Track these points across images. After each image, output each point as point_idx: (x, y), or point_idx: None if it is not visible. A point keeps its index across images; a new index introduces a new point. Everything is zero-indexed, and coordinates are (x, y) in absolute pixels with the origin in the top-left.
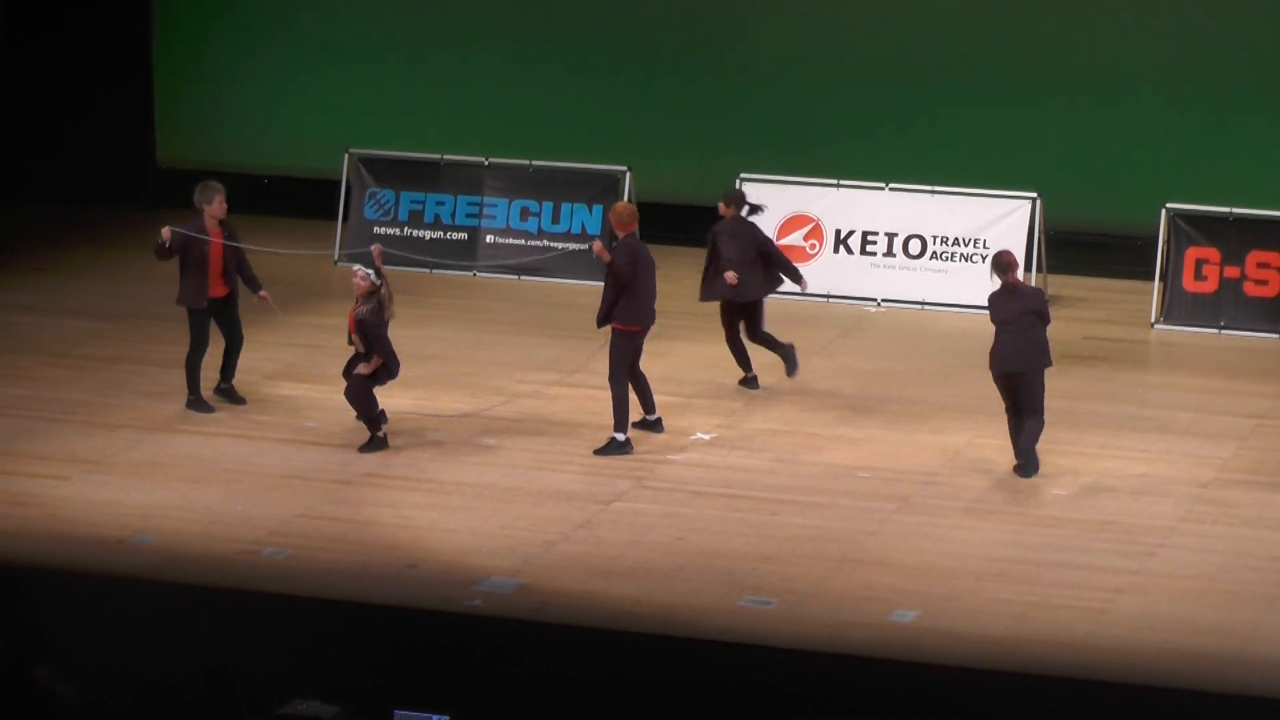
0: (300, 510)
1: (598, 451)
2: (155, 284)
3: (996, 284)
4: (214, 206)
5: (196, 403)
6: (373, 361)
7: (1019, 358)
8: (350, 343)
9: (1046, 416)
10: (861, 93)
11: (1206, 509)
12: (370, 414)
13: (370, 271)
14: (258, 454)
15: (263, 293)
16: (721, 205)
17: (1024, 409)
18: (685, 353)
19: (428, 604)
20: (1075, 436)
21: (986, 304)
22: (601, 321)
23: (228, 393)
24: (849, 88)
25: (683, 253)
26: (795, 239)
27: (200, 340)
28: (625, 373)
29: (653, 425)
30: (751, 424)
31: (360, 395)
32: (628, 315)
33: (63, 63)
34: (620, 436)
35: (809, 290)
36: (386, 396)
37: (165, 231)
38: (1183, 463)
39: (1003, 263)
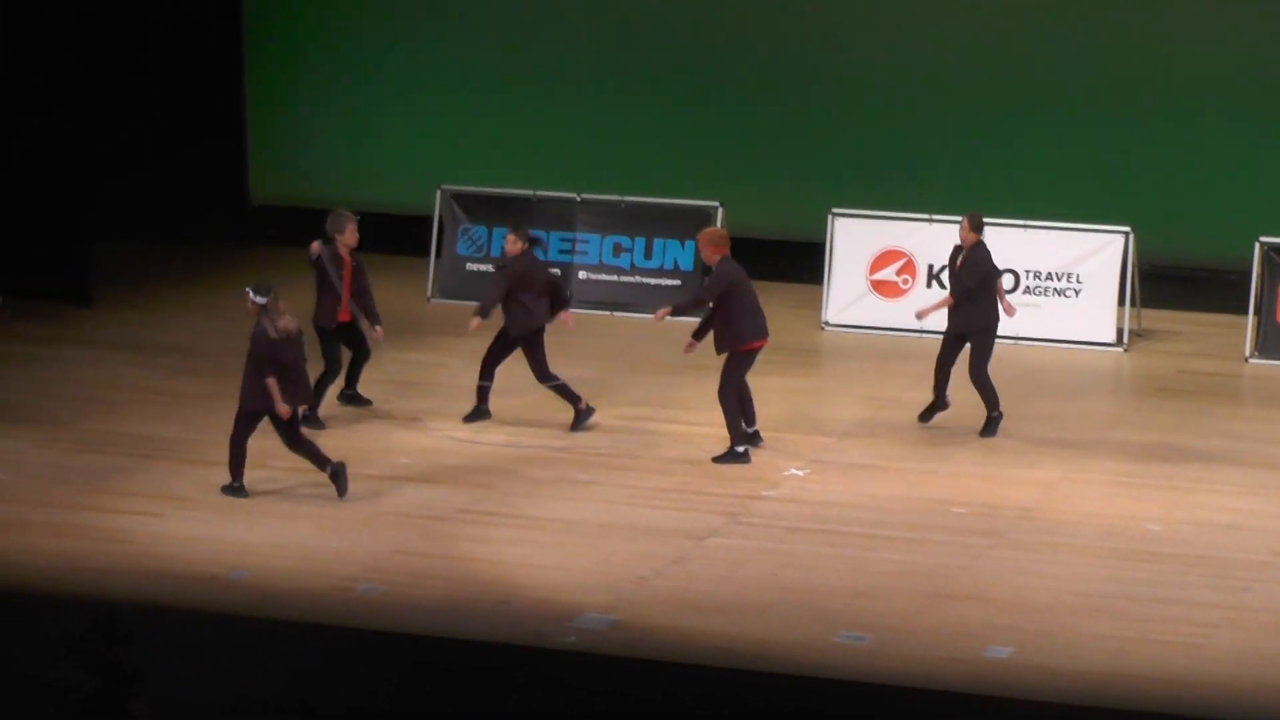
0: (394, 546)
1: (716, 459)
2: (249, 321)
3: (967, 241)
4: (346, 235)
5: (312, 419)
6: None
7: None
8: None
9: (1141, 451)
10: (954, 127)
11: None
12: (234, 465)
13: (249, 291)
14: (351, 490)
15: (379, 329)
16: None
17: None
18: (777, 387)
19: (521, 640)
20: (1170, 470)
21: (986, 263)
22: (721, 349)
23: (353, 398)
24: (941, 122)
25: (776, 287)
26: (888, 274)
27: (334, 362)
28: (735, 390)
29: (751, 438)
30: (845, 459)
31: (235, 440)
32: (737, 337)
33: (157, 102)
34: (739, 449)
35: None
36: (478, 431)
37: (315, 246)
38: (1277, 496)
39: (982, 221)
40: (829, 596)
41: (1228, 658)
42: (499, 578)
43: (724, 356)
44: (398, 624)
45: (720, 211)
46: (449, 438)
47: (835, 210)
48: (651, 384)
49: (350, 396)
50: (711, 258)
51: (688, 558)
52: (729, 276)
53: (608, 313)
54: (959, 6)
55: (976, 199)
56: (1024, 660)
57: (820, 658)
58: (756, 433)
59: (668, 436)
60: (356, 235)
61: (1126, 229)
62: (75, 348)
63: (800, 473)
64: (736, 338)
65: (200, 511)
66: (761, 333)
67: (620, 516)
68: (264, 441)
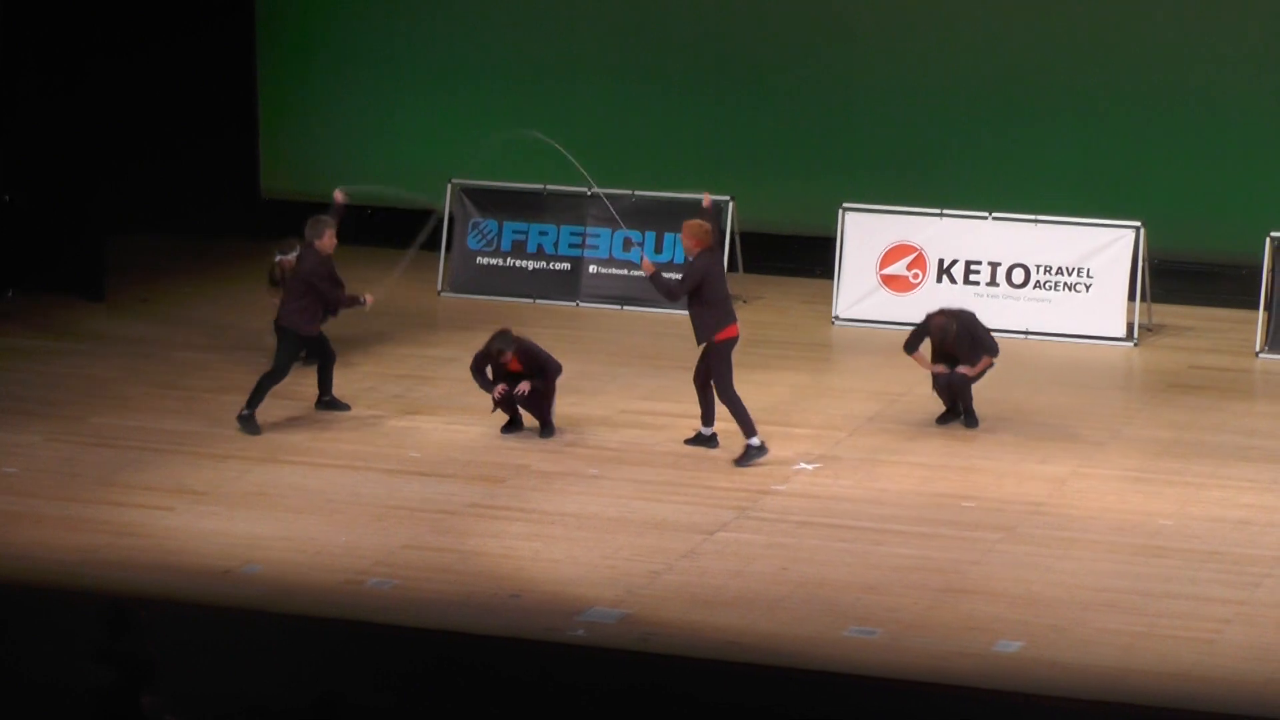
0: (405, 541)
1: (737, 462)
2: (261, 314)
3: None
4: (324, 240)
5: (248, 420)
6: None
7: None
8: None
9: (1153, 446)
10: (965, 121)
11: None
12: None
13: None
14: (363, 484)
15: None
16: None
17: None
18: (789, 382)
19: (531, 634)
20: (1181, 466)
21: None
22: (702, 339)
23: (331, 404)
24: (952, 116)
25: (787, 282)
26: (898, 268)
27: (284, 367)
28: (731, 381)
29: (708, 440)
30: (855, 454)
31: None
32: (718, 324)
33: (169, 95)
34: (755, 441)
35: None
36: (488, 426)
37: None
38: None
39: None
40: (839, 591)
41: (1239, 653)
42: (509, 572)
43: (703, 349)
44: (408, 618)
45: (732, 205)
46: (459, 432)
47: (846, 205)
48: (662, 378)
49: (329, 403)
50: (691, 250)
51: (697, 552)
52: (703, 271)
53: (618, 307)
54: (970, 2)
55: (987, 193)
56: (1034, 655)
57: (830, 652)
58: (714, 435)
59: (678, 431)
60: (334, 241)
61: (1137, 224)
62: (87, 341)
63: (810, 467)
64: (717, 325)
65: (213, 505)
66: (734, 318)
67: (630, 511)
68: (272, 436)
